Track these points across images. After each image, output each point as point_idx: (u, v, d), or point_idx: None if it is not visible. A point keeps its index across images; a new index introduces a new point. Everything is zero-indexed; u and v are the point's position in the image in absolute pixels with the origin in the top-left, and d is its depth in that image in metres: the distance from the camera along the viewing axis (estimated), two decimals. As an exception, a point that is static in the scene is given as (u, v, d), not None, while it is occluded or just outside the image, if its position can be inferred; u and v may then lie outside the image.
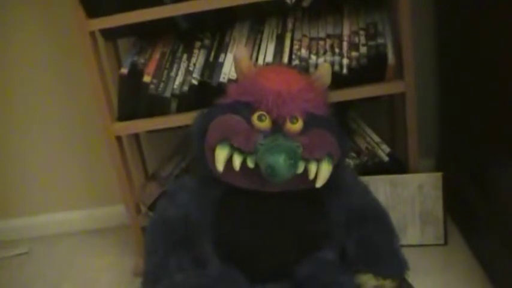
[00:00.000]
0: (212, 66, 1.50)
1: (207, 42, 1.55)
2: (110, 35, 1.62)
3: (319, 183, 1.19)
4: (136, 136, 1.82)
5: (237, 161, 1.17)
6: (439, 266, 1.47)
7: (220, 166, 1.18)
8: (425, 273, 1.42)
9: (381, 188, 1.54)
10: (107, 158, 1.60)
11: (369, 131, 1.61)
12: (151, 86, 1.50)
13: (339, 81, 1.42)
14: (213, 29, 1.59)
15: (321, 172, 1.18)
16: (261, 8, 1.49)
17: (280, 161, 1.12)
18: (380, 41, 1.46)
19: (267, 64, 1.46)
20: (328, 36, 1.50)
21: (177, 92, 1.50)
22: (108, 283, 1.70)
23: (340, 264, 1.26)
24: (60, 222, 2.11)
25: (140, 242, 1.64)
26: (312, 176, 1.18)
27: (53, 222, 2.12)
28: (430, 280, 1.40)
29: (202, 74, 1.49)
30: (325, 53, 1.47)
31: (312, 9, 1.57)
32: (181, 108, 1.52)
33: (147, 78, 1.51)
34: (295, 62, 1.46)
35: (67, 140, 2.00)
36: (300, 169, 1.17)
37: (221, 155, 1.17)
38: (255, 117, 1.21)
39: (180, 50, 1.56)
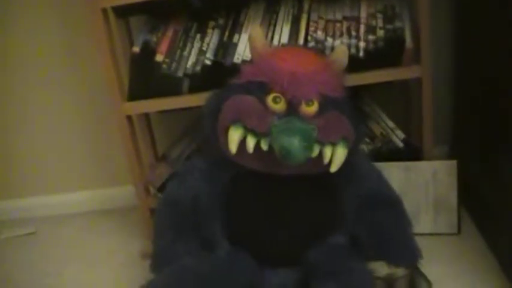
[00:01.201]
0: (226, 47, 1.47)
1: (221, 21, 1.53)
2: (122, 12, 1.60)
3: (334, 168, 1.17)
4: (146, 116, 1.80)
5: (250, 143, 1.15)
6: (451, 255, 1.45)
7: (233, 147, 1.16)
8: (438, 261, 1.40)
9: (395, 174, 1.52)
10: (116, 137, 1.59)
11: (384, 116, 1.59)
12: (164, 66, 1.48)
13: (354, 64, 1.39)
14: (228, 8, 1.56)
15: (336, 156, 1.16)
16: (277, -12, 1.47)
17: (295, 143, 1.10)
18: (398, 24, 1.43)
19: (283, 45, 1.43)
20: (345, 18, 1.48)
21: (189, 72, 1.48)
22: (116, 264, 1.70)
23: (352, 250, 1.25)
24: (68, 203, 2.11)
25: (149, 224, 1.63)
26: (327, 159, 1.16)
27: (61, 202, 2.12)
28: (443, 269, 1.38)
29: (215, 54, 1.47)
30: (341, 35, 1.45)
31: (329, -9, 1.54)
32: (194, 89, 1.50)
33: (159, 58, 1.49)
34: (311, 43, 1.44)
35: (76, 119, 1.99)
36: (315, 152, 1.15)
37: (235, 136, 1.16)
38: (269, 99, 1.19)
39: (194, 29, 1.53)
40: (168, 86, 1.50)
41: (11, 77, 1.94)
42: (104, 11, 1.48)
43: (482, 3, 1.39)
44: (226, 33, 1.50)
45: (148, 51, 1.51)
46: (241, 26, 1.50)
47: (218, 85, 1.32)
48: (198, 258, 1.22)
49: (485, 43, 1.39)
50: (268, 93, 1.19)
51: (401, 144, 1.54)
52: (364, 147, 1.54)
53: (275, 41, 1.46)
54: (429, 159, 1.52)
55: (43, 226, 2.05)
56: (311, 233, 1.24)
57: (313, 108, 1.19)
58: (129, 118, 1.57)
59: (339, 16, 1.49)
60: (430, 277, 1.26)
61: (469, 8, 1.52)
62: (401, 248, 1.25)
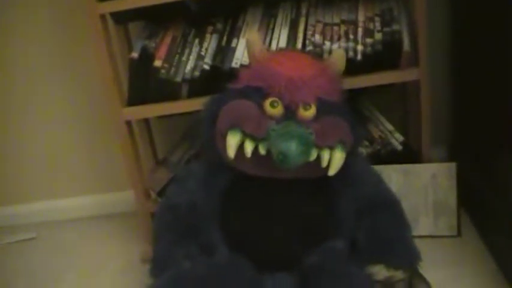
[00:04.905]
0: (224, 51, 1.47)
1: (219, 26, 1.53)
2: (120, 18, 1.60)
3: (332, 171, 1.17)
4: (146, 121, 1.80)
5: (248, 148, 1.15)
6: (451, 258, 1.44)
7: (231, 152, 1.16)
8: (438, 264, 1.40)
9: (394, 177, 1.52)
10: (116, 143, 1.59)
11: (382, 119, 1.59)
12: (162, 71, 1.48)
13: (352, 67, 1.39)
14: (226, 13, 1.56)
15: (334, 160, 1.16)
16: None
17: (292, 147, 1.10)
18: (395, 27, 1.43)
19: (280, 49, 1.44)
20: (343, 22, 1.47)
21: (188, 76, 1.48)
22: (116, 269, 1.70)
23: (350, 254, 1.25)
24: (68, 208, 2.11)
25: (148, 228, 1.62)
26: (324, 163, 1.16)
27: (62, 207, 2.12)
28: (442, 272, 1.38)
29: (214, 59, 1.47)
30: (339, 39, 1.44)
31: (326, -6, 1.54)
32: (192, 94, 1.50)
33: (157, 63, 1.49)
34: (309, 47, 1.44)
35: (76, 125, 1.99)
36: (313, 156, 1.16)
37: (233, 141, 1.16)
38: (267, 104, 1.19)
39: (192, 34, 1.53)
40: (167, 91, 1.50)
41: (9, 83, 1.95)
42: (102, 17, 1.48)
43: (480, 5, 1.39)
44: (225, 38, 1.50)
45: (147, 56, 1.51)
46: (239, 30, 1.50)
47: (217, 90, 1.32)
48: (196, 263, 1.21)
49: (483, 44, 1.39)
50: (265, 97, 1.20)
51: (400, 147, 1.54)
52: (363, 151, 1.54)
53: (273, 46, 1.45)
54: (428, 161, 1.52)
55: (43, 231, 2.05)
56: (309, 237, 1.24)
57: (310, 113, 1.19)
58: (128, 123, 1.57)
59: (336, 20, 1.48)
60: (429, 280, 1.26)
61: (466, 9, 1.52)
62: (401, 250, 1.24)
